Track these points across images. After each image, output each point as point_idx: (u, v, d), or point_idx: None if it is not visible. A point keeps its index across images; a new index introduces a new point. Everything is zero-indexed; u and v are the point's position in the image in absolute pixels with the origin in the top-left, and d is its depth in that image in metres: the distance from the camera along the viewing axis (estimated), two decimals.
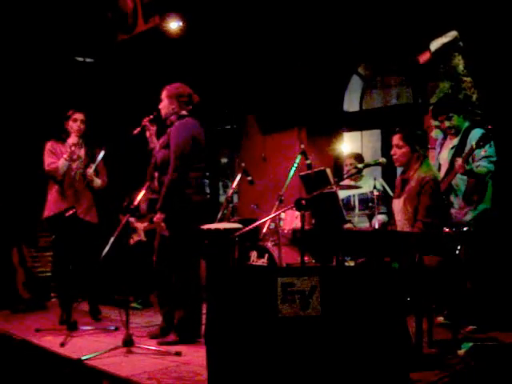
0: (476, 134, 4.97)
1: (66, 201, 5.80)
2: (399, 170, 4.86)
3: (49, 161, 5.83)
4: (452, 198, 5.11)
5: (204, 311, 4.51)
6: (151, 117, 5.14)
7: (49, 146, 5.89)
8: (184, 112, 4.99)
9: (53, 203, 5.84)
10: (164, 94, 5.01)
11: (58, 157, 5.83)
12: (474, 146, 4.70)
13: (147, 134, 5.19)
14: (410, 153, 4.42)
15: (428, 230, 4.20)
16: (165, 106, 5.00)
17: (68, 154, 5.77)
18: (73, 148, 5.76)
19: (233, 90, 8.17)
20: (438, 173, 5.11)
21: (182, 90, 5.00)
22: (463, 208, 5.07)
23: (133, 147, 5.59)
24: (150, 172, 5.08)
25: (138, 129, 5.15)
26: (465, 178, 5.03)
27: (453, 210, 5.07)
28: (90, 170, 5.79)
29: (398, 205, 4.46)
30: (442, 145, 5.41)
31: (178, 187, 4.78)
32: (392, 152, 4.51)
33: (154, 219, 4.85)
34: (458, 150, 5.09)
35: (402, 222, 4.45)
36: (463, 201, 5.08)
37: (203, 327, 4.68)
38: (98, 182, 5.95)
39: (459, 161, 4.81)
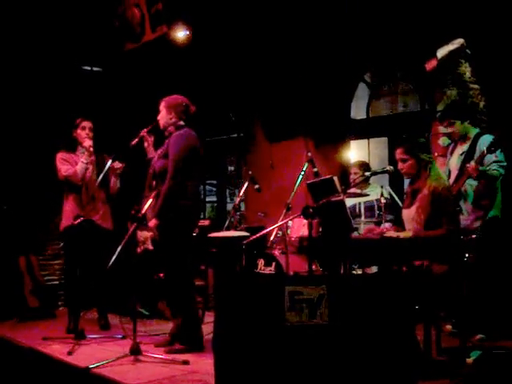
0: (485, 140, 4.96)
1: (84, 208, 5.78)
2: (407, 179, 4.83)
3: (64, 167, 5.80)
4: (461, 204, 5.09)
5: (212, 319, 4.51)
6: (149, 128, 5.26)
7: (60, 155, 5.87)
8: (181, 122, 5.08)
9: (70, 212, 5.78)
10: (162, 106, 5.12)
11: (71, 165, 5.83)
12: (486, 152, 4.69)
13: (145, 144, 5.32)
14: (417, 163, 4.39)
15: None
16: (163, 116, 5.11)
17: (85, 157, 5.77)
18: (91, 149, 5.77)
19: (240, 98, 8.19)
20: (448, 179, 5.10)
21: (180, 101, 5.11)
22: (472, 214, 5.06)
23: (140, 156, 5.61)
24: (149, 181, 5.18)
25: (136, 139, 5.27)
26: (473, 183, 5.01)
27: (462, 217, 5.03)
28: (102, 175, 5.77)
29: (408, 214, 4.43)
30: (452, 151, 5.40)
31: (175, 195, 4.86)
32: (399, 167, 4.47)
33: (149, 224, 4.95)
34: (467, 156, 5.08)
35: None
36: (472, 206, 5.06)
37: (210, 335, 4.68)
38: (118, 184, 5.98)
39: (472, 164, 4.80)
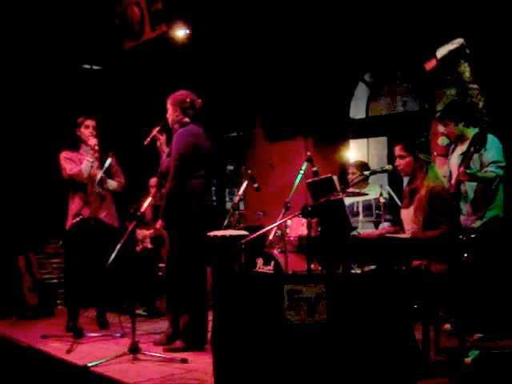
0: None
1: (90, 206, 5.73)
2: (406, 178, 4.85)
3: (69, 166, 5.79)
4: (461, 204, 5.08)
5: (210, 318, 4.51)
6: (159, 127, 5.20)
7: (64, 154, 5.86)
8: (187, 119, 5.03)
9: (77, 211, 5.75)
10: (169, 103, 5.09)
11: (75, 163, 5.81)
12: (472, 150, 4.65)
13: (157, 143, 5.25)
14: (414, 162, 4.40)
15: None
16: (170, 114, 5.08)
17: (91, 155, 5.75)
18: (96, 148, 5.75)
19: (239, 98, 8.19)
20: (447, 179, 5.10)
21: (185, 97, 5.05)
22: (471, 215, 5.05)
23: (141, 155, 5.61)
24: (158, 180, 5.15)
25: (148, 139, 5.21)
26: (473, 184, 4.99)
27: (462, 217, 5.02)
28: (101, 173, 5.70)
29: (407, 214, 4.43)
30: (453, 151, 5.38)
31: (177, 195, 4.84)
32: (396, 163, 4.49)
33: (156, 226, 4.96)
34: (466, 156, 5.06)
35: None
36: (471, 207, 5.05)
37: (209, 334, 4.68)
38: (112, 184, 5.94)
39: (461, 168, 4.77)
